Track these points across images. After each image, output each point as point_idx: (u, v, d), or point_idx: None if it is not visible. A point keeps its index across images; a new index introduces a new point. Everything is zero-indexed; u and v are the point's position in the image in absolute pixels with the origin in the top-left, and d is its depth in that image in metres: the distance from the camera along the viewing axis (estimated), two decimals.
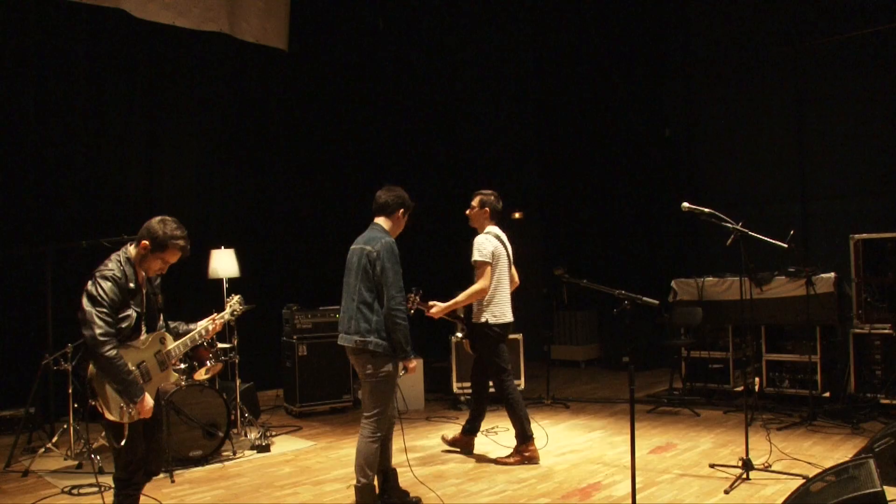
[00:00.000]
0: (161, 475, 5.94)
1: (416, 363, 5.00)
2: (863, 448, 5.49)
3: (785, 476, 5.36)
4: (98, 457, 6.36)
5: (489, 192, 6.47)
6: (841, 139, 9.83)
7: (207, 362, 6.76)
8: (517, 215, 12.88)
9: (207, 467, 6.30)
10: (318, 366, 8.21)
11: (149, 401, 4.01)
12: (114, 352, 3.84)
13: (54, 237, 7.70)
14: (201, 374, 6.76)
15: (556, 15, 12.23)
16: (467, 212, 6.51)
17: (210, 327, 4.52)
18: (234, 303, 4.90)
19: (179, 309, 5.94)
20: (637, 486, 4.15)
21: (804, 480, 4.16)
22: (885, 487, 3.33)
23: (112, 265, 4.00)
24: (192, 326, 4.53)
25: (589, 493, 5.36)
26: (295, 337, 8.28)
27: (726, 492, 5.17)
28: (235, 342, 7.14)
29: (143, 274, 4.12)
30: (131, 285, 3.99)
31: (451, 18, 11.89)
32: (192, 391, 6.35)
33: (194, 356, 6.80)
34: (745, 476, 5.37)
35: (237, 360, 7.17)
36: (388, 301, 4.78)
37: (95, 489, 5.58)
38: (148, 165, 9.00)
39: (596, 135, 11.93)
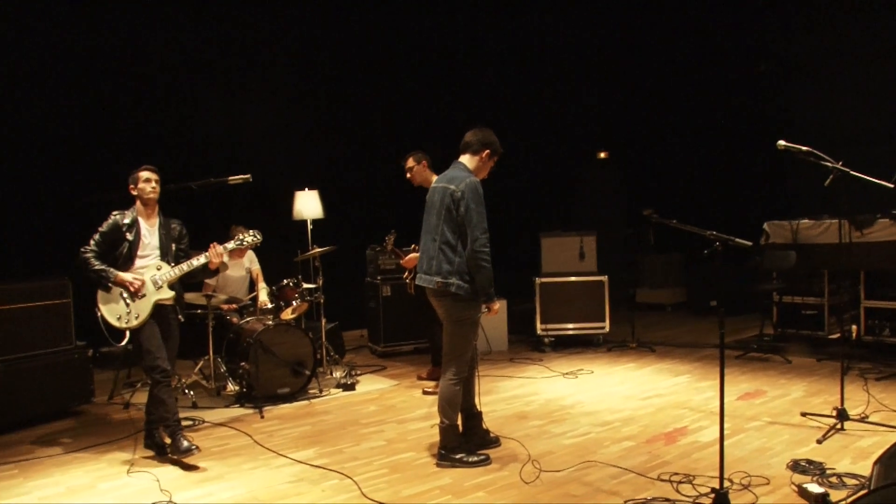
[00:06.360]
0: (251, 410, 6.18)
1: (499, 305, 4.93)
2: None
3: (883, 428, 5.15)
4: (192, 392, 6.61)
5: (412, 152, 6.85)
6: None
7: (293, 302, 6.90)
8: (602, 155, 12.63)
9: (295, 404, 6.47)
10: (402, 306, 8.26)
11: (124, 276, 5.01)
12: (87, 255, 5.04)
13: None
14: (287, 314, 6.91)
15: None
16: (408, 176, 6.81)
17: (203, 258, 5.18)
18: (246, 234, 5.47)
19: (265, 248, 6.06)
20: (724, 432, 4.05)
21: None
22: None
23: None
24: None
25: (674, 437, 5.27)
26: (379, 277, 8.36)
27: (819, 441, 5.00)
28: (321, 282, 7.24)
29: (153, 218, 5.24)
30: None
31: None
32: (279, 331, 6.48)
33: (280, 296, 6.95)
34: (839, 426, 5.17)
35: (322, 301, 7.28)
36: (471, 242, 4.63)
37: (190, 422, 5.80)
38: (231, 109, 9.11)
39: (684, 69, 11.50)
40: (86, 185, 7.86)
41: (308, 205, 7.78)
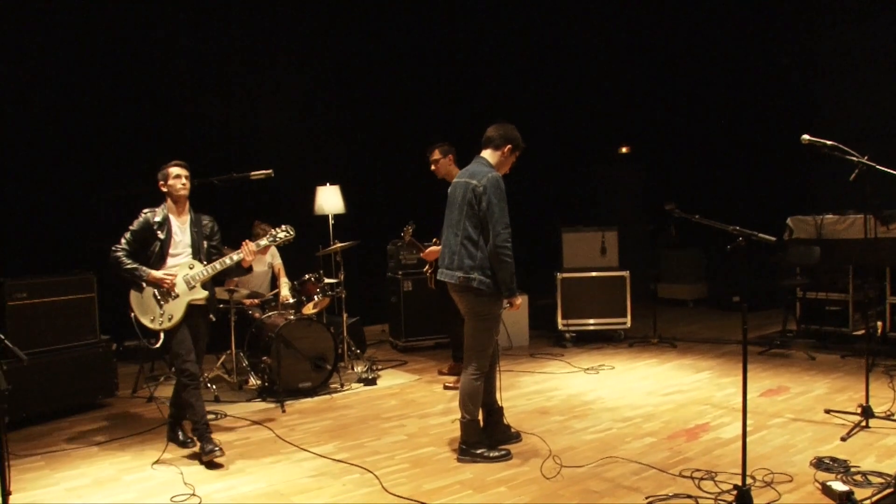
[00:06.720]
0: (273, 405, 6.21)
1: (520, 300, 4.92)
2: None
3: None
4: (214, 386, 6.66)
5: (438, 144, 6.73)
6: None
7: (315, 297, 6.92)
8: (624, 150, 12.55)
9: (316, 398, 6.50)
10: (423, 301, 8.28)
11: (157, 274, 4.96)
12: (118, 254, 4.99)
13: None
14: (309, 309, 6.93)
15: None
16: (433, 168, 6.70)
17: (236, 256, 5.13)
18: (278, 231, 5.37)
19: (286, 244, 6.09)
20: (747, 428, 4.02)
21: None
22: None
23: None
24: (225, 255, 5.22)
25: (696, 433, 5.25)
26: (400, 273, 8.38)
27: (843, 439, 4.95)
28: (342, 277, 7.27)
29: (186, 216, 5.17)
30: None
31: None
32: (300, 325, 6.51)
33: (302, 291, 6.98)
34: (864, 424, 5.12)
35: (344, 295, 7.31)
36: (493, 238, 4.62)
37: (213, 416, 5.84)
38: (251, 103, 9.14)
39: (706, 64, 11.39)
40: (109, 179, 7.93)
41: (329, 200, 7.81)
